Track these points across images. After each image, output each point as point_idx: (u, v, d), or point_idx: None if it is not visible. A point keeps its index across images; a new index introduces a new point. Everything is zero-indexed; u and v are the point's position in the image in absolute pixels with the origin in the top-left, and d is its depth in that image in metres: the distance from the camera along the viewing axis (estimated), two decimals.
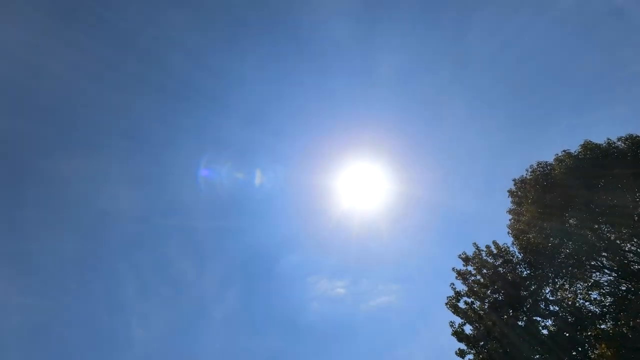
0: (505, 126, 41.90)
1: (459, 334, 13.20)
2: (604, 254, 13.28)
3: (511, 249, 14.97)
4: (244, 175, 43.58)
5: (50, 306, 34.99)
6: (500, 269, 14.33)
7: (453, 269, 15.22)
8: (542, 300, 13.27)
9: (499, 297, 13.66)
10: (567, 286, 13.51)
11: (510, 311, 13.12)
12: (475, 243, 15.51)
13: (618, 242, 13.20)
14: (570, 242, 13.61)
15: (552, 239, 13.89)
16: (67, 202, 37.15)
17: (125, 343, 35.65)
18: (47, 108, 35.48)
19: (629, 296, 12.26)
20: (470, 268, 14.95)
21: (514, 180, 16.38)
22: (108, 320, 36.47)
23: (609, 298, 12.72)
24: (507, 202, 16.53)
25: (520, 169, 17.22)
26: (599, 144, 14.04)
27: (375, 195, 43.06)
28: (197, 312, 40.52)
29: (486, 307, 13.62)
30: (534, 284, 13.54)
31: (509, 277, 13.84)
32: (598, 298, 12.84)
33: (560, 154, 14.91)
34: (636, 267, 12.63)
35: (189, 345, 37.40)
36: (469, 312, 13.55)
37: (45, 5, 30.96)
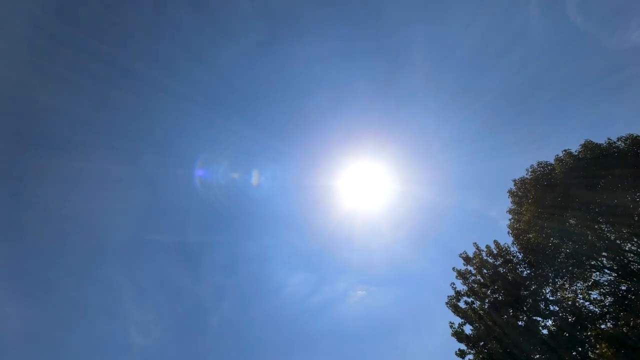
0: (506, 127, 41.99)
1: (459, 334, 13.23)
2: (604, 253, 13.29)
3: (511, 248, 15.00)
4: (241, 176, 43.45)
5: (48, 313, 34.95)
6: (501, 268, 14.35)
7: (453, 268, 15.27)
8: (542, 300, 13.29)
9: (499, 296, 13.68)
10: (567, 286, 13.53)
11: (511, 311, 13.15)
12: (475, 243, 15.55)
13: (618, 241, 13.21)
14: (570, 242, 13.61)
15: (552, 238, 13.89)
16: (61, 204, 36.98)
17: (124, 349, 35.57)
18: (46, 107, 35.37)
19: (629, 296, 12.28)
20: (470, 268, 14.98)
21: (514, 180, 16.38)
22: (106, 327, 36.36)
23: (609, 298, 12.74)
24: (507, 203, 16.54)
25: (521, 169, 17.30)
26: (600, 144, 14.03)
27: (375, 196, 43.08)
28: (194, 319, 40.33)
29: (486, 306, 13.64)
30: (534, 284, 13.55)
31: (509, 277, 13.86)
32: (598, 298, 12.87)
33: (560, 154, 14.91)
34: (636, 267, 12.63)
35: (185, 352, 37.33)
36: (469, 312, 13.57)
37: (46, 3, 30.89)
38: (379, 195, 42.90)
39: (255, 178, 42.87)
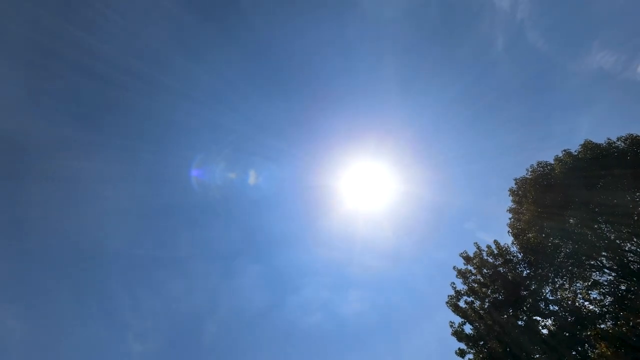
0: (507, 127, 42.31)
1: (458, 334, 13.23)
2: (603, 253, 13.30)
3: (511, 248, 15.01)
4: (240, 175, 43.33)
5: (46, 317, 34.83)
6: (501, 268, 14.36)
7: (454, 267, 15.28)
8: (542, 299, 13.29)
9: (499, 296, 13.68)
10: (567, 286, 13.53)
11: (511, 310, 13.15)
12: (476, 243, 15.57)
13: (618, 241, 13.21)
14: (570, 242, 13.62)
15: (552, 238, 13.90)
16: (60, 204, 36.87)
17: (123, 356, 35.52)
18: (47, 107, 35.34)
19: (629, 296, 12.27)
20: (470, 267, 14.98)
21: (515, 179, 16.39)
22: (105, 335, 36.21)
23: (609, 297, 12.73)
24: (508, 202, 16.56)
25: (521, 169, 17.39)
26: (599, 144, 14.06)
27: (374, 196, 43.07)
28: (190, 323, 40.11)
29: (486, 306, 13.64)
30: (534, 284, 13.56)
31: (509, 277, 13.87)
32: (598, 297, 12.86)
33: (560, 154, 14.93)
34: (636, 266, 12.64)
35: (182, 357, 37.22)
36: (469, 312, 13.57)
37: (47, 3, 30.88)
38: (378, 196, 42.93)
39: (254, 178, 42.84)
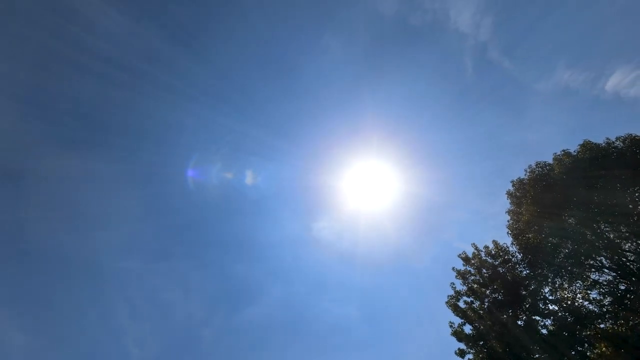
0: (508, 128, 42.59)
1: (458, 334, 13.20)
2: (603, 253, 13.29)
3: (511, 248, 14.99)
4: (239, 176, 43.28)
5: (46, 321, 34.66)
6: (500, 268, 14.34)
7: (453, 268, 15.25)
8: (541, 299, 13.27)
9: (498, 296, 13.65)
10: (566, 285, 13.51)
11: (510, 311, 13.12)
12: (474, 243, 15.54)
13: (617, 241, 13.21)
14: (569, 242, 13.62)
15: (551, 238, 13.90)
16: (60, 204, 36.75)
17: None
18: (47, 107, 35.34)
19: (629, 296, 12.26)
20: (469, 268, 14.95)
21: (512, 181, 16.39)
22: (106, 342, 35.98)
23: (608, 297, 12.71)
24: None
25: (521, 170, 17.39)
26: (598, 144, 14.06)
27: (374, 196, 43.05)
28: (188, 329, 39.86)
29: (486, 306, 13.61)
30: (534, 284, 13.54)
31: (509, 277, 13.85)
32: (597, 297, 12.84)
33: (559, 154, 14.95)
34: (635, 266, 12.64)
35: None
36: (469, 312, 13.54)
37: (47, 3, 30.93)
38: (379, 195, 42.92)
39: (254, 178, 42.82)
